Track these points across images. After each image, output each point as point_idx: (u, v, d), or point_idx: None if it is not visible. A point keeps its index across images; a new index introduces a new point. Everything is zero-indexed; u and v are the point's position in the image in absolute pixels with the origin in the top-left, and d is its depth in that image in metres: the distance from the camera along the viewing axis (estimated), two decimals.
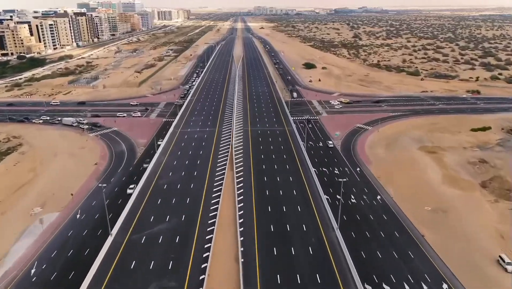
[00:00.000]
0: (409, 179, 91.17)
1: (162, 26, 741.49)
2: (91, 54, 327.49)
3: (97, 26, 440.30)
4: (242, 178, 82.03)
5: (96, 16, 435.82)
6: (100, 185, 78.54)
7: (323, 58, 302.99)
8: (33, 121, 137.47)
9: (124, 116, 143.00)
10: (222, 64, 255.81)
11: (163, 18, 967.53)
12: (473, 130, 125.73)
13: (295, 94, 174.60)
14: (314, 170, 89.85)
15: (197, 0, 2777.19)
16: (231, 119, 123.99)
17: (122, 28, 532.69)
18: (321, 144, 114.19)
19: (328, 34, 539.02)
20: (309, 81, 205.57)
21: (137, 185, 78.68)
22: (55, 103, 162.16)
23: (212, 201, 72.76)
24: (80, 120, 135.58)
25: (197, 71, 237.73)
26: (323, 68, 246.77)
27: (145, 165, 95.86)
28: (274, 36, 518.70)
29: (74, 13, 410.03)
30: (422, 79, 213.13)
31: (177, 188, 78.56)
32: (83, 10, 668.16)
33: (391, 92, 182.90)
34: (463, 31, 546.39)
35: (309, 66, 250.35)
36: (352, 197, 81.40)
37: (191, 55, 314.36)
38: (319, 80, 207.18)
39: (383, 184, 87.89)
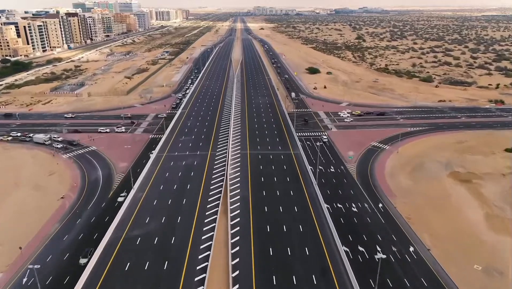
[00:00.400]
0: (445, 221, 73.76)
1: (160, 26, 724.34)
2: (82, 57, 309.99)
3: (90, 27, 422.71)
4: (238, 228, 64.26)
5: (89, 17, 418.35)
6: (31, 267, 53.40)
7: (327, 61, 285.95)
8: (0, 138, 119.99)
9: (107, 132, 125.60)
10: (219, 69, 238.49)
11: (161, 18, 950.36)
12: (508, 150, 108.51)
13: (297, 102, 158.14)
14: (327, 207, 72.83)
15: (196, 0, 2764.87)
16: (227, 139, 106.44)
17: (117, 29, 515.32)
18: (332, 169, 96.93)
19: (330, 35, 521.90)
20: (314, 88, 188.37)
21: (103, 239, 61.10)
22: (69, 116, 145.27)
23: (198, 267, 55.14)
24: (54, 137, 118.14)
25: (192, 77, 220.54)
26: (328, 73, 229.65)
27: (119, 199, 79.07)
28: (274, 38, 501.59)
29: (66, 14, 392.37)
30: (436, 86, 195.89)
31: (153, 244, 60.89)
32: (78, 10, 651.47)
33: (405, 101, 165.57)
34: (469, 32, 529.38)
35: (312, 70, 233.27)
36: (379, 249, 63.83)
37: (187, 58, 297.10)
38: (325, 87, 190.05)
39: (415, 230, 70.43)
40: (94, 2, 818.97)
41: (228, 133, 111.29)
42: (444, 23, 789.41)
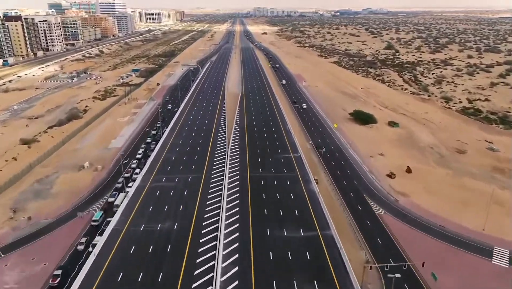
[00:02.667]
0: None
1: (146, 31, 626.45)
2: (5, 82, 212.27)
3: (45, 33, 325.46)
4: None
5: (42, 21, 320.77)
6: None
7: (369, 90, 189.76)
8: None
9: None
10: (203, 118, 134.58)
11: (151, 20, 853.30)
12: None
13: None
14: None
15: (195, 1, 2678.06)
16: None
17: (88, 34, 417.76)
18: None
19: (350, 42, 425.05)
20: (389, 176, 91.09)
21: None
22: None
23: None
24: None
25: (148, 140, 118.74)
26: (392, 124, 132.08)
27: None
28: (282, 46, 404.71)
29: (5, 17, 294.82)
30: None
31: None
32: (52, 11, 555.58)
33: None
34: None
35: (362, 118, 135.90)
36: None
37: (158, 84, 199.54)
38: (408, 171, 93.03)
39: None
40: (74, 2, 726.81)
41: None
42: (468, 27, 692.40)
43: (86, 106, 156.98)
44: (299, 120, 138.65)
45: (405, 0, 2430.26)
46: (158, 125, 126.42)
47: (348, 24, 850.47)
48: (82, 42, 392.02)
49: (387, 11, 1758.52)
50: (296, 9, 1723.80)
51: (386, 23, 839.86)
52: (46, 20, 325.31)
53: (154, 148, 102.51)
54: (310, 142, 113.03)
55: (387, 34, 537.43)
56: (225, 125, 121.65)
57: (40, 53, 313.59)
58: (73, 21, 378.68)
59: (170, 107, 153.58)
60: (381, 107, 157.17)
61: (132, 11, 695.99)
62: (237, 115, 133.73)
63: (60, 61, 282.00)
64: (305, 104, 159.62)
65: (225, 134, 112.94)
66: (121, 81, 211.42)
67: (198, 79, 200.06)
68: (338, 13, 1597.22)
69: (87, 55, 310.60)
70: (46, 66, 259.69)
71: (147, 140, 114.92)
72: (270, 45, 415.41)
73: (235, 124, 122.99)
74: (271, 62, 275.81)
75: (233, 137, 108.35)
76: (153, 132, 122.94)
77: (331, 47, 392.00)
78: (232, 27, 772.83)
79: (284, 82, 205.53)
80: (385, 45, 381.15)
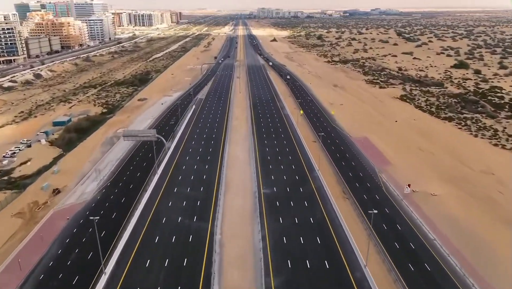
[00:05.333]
0: None
1: (129, 37, 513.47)
2: None
3: None
4: None
5: None
6: None
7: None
8: None
9: None
10: None
11: (140, 23, 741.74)
12: None
13: None
14: None
15: (196, 2, 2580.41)
16: None
17: (37, 46, 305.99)
18: None
19: (394, 55, 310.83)
20: None
21: None
22: None
23: None
24: None
25: None
26: None
27: None
28: (302, 61, 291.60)
29: None
30: None
31: None
32: (12, 14, 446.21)
33: None
34: None
35: None
36: None
37: (57, 193, 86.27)
38: None
39: None
40: (49, 3, 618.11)
41: None
42: None
43: None
44: None
45: (407, 0, 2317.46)
46: None
47: (366, 26, 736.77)
48: (24, 58, 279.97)
49: (398, 11, 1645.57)
50: (300, 9, 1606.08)
51: (410, 26, 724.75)
52: None
53: None
54: None
55: (429, 41, 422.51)
56: None
57: None
58: (8, 29, 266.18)
59: None
60: None
61: (112, 13, 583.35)
62: None
63: None
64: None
65: None
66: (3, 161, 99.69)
67: (163, 167, 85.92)
68: (348, 14, 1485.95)
69: (7, 85, 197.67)
70: None
71: None
72: (286, 59, 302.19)
73: None
74: (299, 100, 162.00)
75: None
76: None
77: (372, 63, 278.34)
78: (234, 31, 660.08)
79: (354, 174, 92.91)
80: (448, 59, 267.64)
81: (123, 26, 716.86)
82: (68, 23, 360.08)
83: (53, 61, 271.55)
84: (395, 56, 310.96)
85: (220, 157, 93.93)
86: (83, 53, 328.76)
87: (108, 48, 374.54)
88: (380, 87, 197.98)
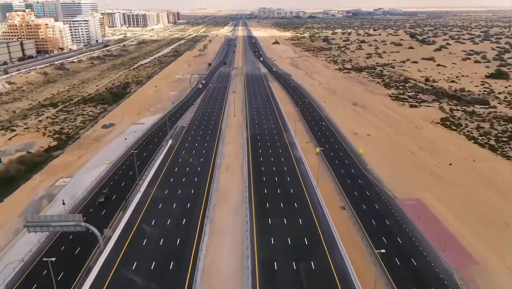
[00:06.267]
0: None
1: (118, 40, 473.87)
2: None
3: None
4: None
5: None
6: None
7: None
8: None
9: None
10: None
11: (135, 24, 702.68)
12: None
13: None
14: None
15: (196, 1, 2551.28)
16: None
17: (5, 52, 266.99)
18: None
19: (414, 62, 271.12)
20: None
21: None
22: None
23: None
24: None
25: None
26: None
27: None
28: (310, 68, 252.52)
29: None
30: None
31: None
32: None
33: None
34: None
35: None
36: None
37: None
38: None
39: None
40: (36, 2, 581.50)
41: None
42: None
43: None
44: None
45: (408, 0, 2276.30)
46: None
47: (373, 27, 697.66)
48: None
49: (402, 11, 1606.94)
50: (301, 9, 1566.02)
51: (420, 26, 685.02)
52: None
53: None
54: None
55: (447, 43, 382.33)
56: None
57: None
58: None
59: None
60: None
61: (102, 13, 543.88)
62: None
63: None
64: None
65: None
66: None
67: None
68: (351, 14, 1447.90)
69: None
70: None
71: None
72: (291, 67, 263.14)
73: None
74: (313, 127, 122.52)
75: None
76: None
77: (392, 72, 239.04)
78: (233, 32, 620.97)
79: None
80: (478, 66, 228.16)
81: (116, 27, 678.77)
82: (46, 24, 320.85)
83: (19, 70, 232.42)
84: (415, 62, 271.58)
85: (189, 273, 53.07)
86: (61, 58, 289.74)
87: (92, 52, 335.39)
88: (411, 106, 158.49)
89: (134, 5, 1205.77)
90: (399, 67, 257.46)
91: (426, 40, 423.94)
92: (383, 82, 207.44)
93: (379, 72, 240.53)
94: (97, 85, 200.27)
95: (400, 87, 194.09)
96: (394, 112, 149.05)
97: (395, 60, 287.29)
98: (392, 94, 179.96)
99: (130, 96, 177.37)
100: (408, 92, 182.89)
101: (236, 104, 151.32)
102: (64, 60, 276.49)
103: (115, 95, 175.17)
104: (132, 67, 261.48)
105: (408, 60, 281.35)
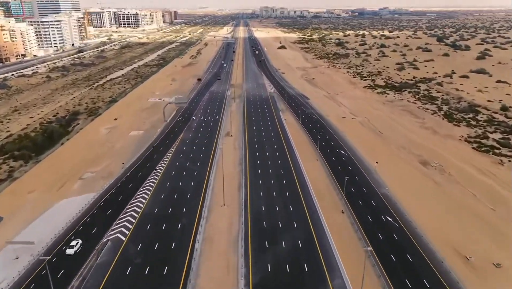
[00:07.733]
0: None
1: (99, 43, 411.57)
2: None
3: None
4: None
5: None
6: None
7: None
8: None
9: None
10: None
11: (125, 24, 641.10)
12: None
13: None
14: None
15: (197, 0, 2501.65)
16: None
17: None
18: None
19: (464, 77, 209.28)
20: None
21: None
22: None
23: None
24: None
25: None
26: None
27: None
28: (329, 84, 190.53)
29: None
30: None
31: None
32: None
33: None
34: None
35: None
36: None
37: None
38: None
39: None
40: (14, 0, 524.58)
41: None
42: None
43: None
44: None
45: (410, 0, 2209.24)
46: None
47: (388, 28, 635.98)
48: None
49: (408, 11, 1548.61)
50: (305, 8, 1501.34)
51: (437, 27, 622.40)
52: None
53: None
54: None
55: (486, 49, 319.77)
56: None
57: None
58: None
59: None
60: None
61: (83, 13, 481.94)
62: None
63: None
64: None
65: None
66: None
67: None
68: (357, 13, 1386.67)
69: None
70: None
71: None
72: (305, 82, 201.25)
73: None
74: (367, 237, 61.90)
75: None
76: None
77: (442, 91, 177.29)
78: (233, 33, 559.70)
79: None
80: None
81: (104, 27, 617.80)
82: (1, 26, 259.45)
83: None
84: (465, 77, 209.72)
85: None
86: (13, 70, 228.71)
87: (59, 60, 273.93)
88: (477, 148, 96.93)
89: (132, 4, 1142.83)
90: (447, 84, 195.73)
91: (458, 45, 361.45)
92: (442, 112, 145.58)
93: (426, 93, 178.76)
94: (32, 116, 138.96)
95: (472, 122, 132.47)
96: (495, 180, 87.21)
97: (436, 73, 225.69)
98: (469, 136, 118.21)
99: (68, 139, 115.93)
100: (489, 132, 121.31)
101: (230, 163, 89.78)
102: (13, 73, 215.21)
103: (47, 139, 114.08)
104: (97, 83, 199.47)
105: (453, 73, 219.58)
